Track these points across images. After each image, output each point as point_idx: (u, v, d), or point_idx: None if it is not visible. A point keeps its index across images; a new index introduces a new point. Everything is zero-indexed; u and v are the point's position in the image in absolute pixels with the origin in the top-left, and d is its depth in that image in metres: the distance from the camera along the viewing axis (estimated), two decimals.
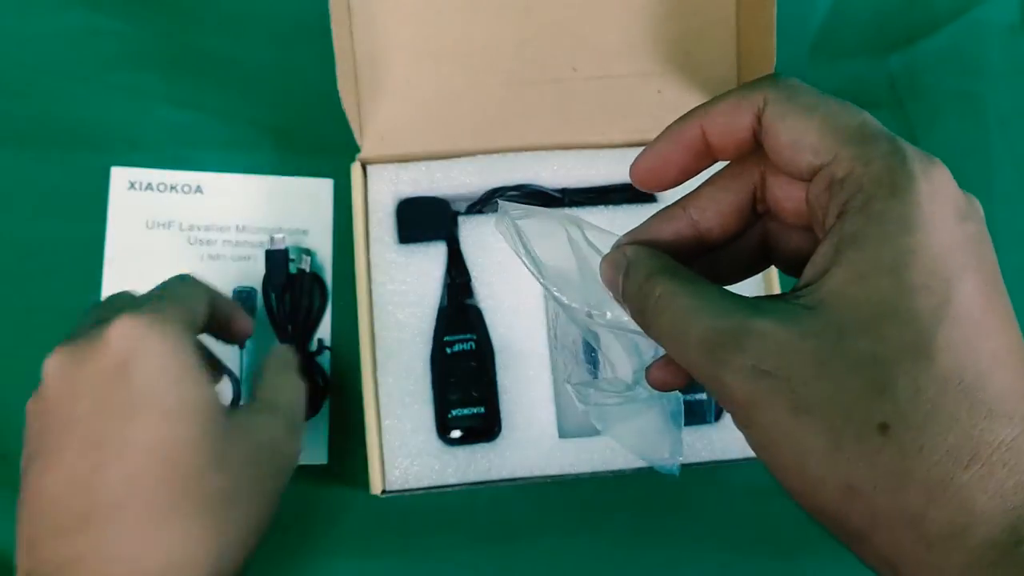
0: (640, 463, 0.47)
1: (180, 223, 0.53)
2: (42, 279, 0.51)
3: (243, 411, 0.37)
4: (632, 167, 0.28)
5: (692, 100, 0.53)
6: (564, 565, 0.49)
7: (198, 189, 0.53)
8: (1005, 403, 0.21)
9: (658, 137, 0.28)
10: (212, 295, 0.39)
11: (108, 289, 0.51)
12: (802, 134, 0.24)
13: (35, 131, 0.54)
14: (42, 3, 0.56)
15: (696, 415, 0.48)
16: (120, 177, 0.53)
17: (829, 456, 0.22)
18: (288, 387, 0.40)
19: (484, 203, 0.51)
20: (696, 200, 0.28)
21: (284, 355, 0.42)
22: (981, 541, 0.20)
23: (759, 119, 0.25)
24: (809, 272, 0.23)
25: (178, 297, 0.36)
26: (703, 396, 0.48)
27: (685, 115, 0.27)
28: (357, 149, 0.50)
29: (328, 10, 0.44)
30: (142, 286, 0.51)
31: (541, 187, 0.51)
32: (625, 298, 0.27)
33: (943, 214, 0.22)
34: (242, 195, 0.54)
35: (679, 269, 0.26)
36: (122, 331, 0.31)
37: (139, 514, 0.30)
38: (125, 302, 0.35)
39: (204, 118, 0.55)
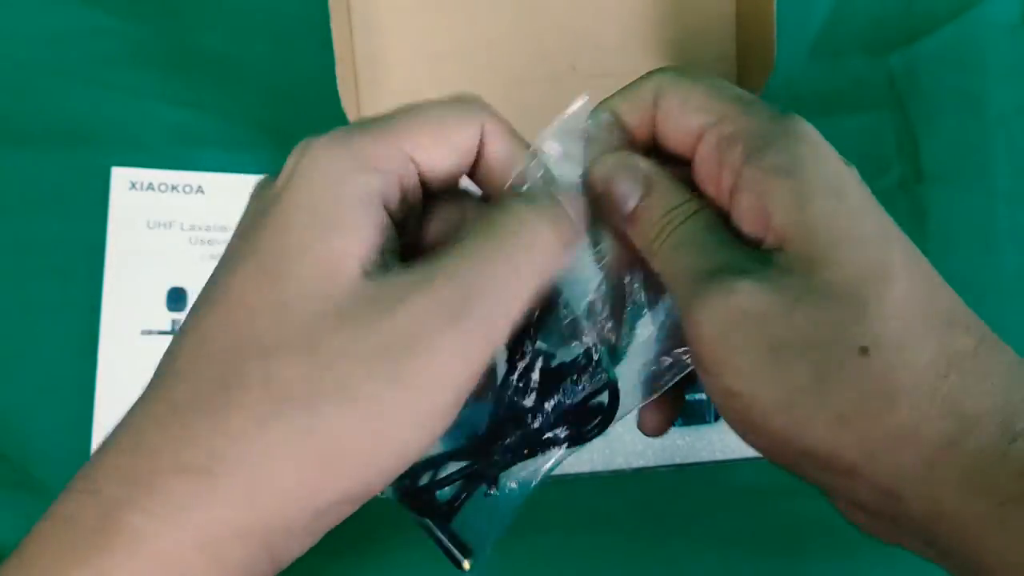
0: (639, 463, 0.47)
1: (181, 223, 0.53)
2: (42, 279, 0.51)
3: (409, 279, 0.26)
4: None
5: None
6: (564, 565, 0.49)
7: (199, 189, 0.53)
8: (957, 315, 0.23)
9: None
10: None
11: (109, 290, 0.51)
12: (688, 97, 0.26)
13: (35, 131, 0.54)
14: (42, 3, 0.56)
15: (696, 415, 0.48)
16: (121, 177, 0.53)
17: (815, 388, 0.22)
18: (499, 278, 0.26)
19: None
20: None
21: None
22: (976, 446, 0.21)
23: (656, 101, 0.27)
24: (749, 224, 0.24)
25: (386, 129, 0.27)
26: (703, 396, 0.48)
27: (598, 108, 0.28)
28: None
29: (328, 10, 0.44)
30: (143, 287, 0.51)
31: None
32: (635, 218, 0.26)
33: (834, 153, 0.24)
34: (243, 195, 0.53)
35: (689, 200, 0.26)
36: (298, 153, 0.28)
37: None
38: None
39: (205, 118, 0.55)
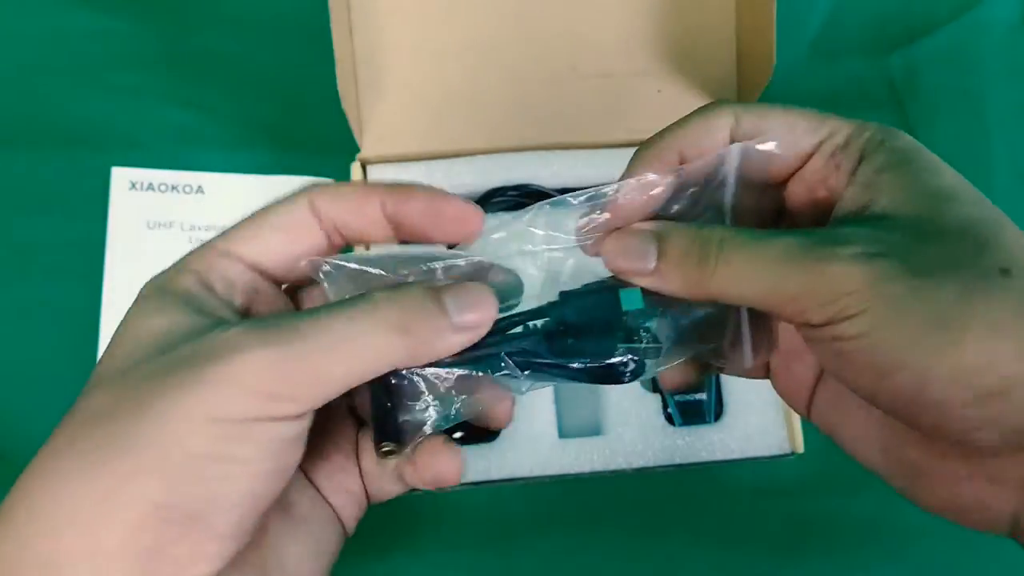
0: (639, 463, 0.47)
1: (181, 223, 0.53)
2: (43, 279, 0.51)
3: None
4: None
5: (692, 99, 0.53)
6: (564, 565, 0.49)
7: (199, 189, 0.53)
8: None
9: (634, 164, 0.28)
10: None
11: (109, 290, 0.51)
12: (791, 123, 0.26)
13: (36, 131, 0.54)
14: (42, 3, 0.56)
15: (696, 415, 0.48)
16: (121, 177, 0.53)
17: (966, 301, 0.22)
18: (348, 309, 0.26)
19: (484, 203, 0.51)
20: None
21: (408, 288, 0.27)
22: None
23: (733, 133, 0.27)
24: (849, 205, 0.25)
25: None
26: (702, 396, 0.48)
27: (654, 139, 0.28)
28: (357, 149, 0.50)
29: (328, 10, 0.44)
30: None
31: (541, 187, 0.51)
32: (667, 269, 0.26)
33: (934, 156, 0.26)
34: (243, 195, 0.54)
35: (715, 227, 0.26)
36: None
37: None
38: None
39: (205, 118, 0.55)
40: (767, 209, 0.28)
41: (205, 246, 0.27)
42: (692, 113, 0.27)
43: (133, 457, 0.22)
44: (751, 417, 0.48)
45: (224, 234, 0.27)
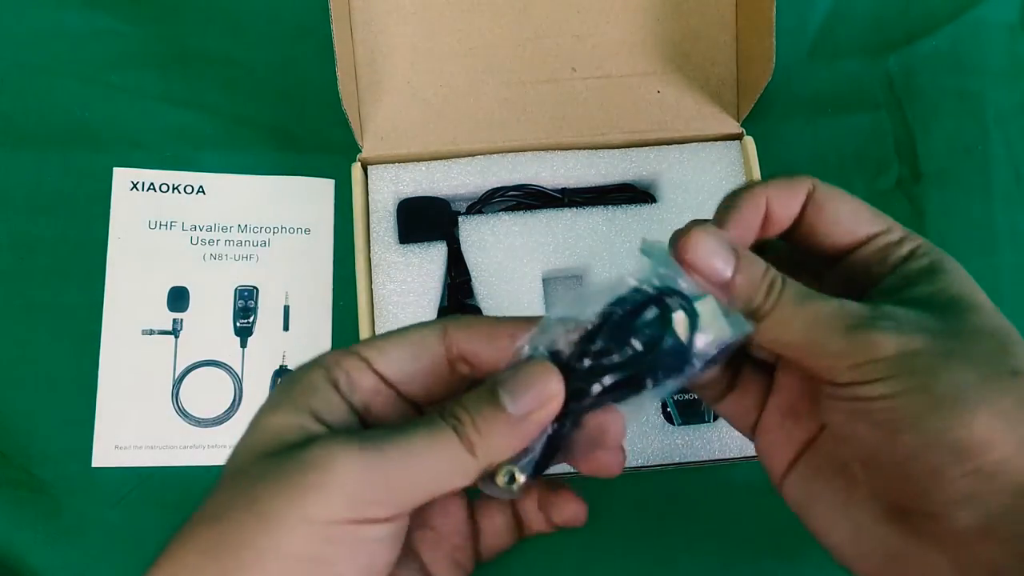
0: (638, 462, 0.48)
1: (182, 223, 0.53)
2: (45, 279, 0.51)
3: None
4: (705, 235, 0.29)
5: (691, 100, 0.53)
6: (564, 565, 0.49)
7: (200, 189, 0.54)
8: None
9: (727, 208, 0.30)
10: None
11: (111, 290, 0.51)
12: (857, 209, 0.30)
13: (37, 132, 0.54)
14: (42, 3, 0.56)
15: (695, 414, 0.48)
16: (122, 178, 0.53)
17: (982, 387, 0.26)
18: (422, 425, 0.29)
19: (484, 203, 0.51)
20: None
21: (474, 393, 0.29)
22: None
23: (808, 199, 0.30)
24: (887, 290, 0.29)
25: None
26: None
27: (746, 186, 0.30)
28: (357, 149, 0.50)
29: (328, 10, 0.44)
30: (144, 287, 0.51)
31: (541, 187, 0.51)
32: (739, 287, 0.28)
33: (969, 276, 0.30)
34: (244, 195, 0.54)
35: (778, 272, 0.29)
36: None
37: None
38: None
39: (205, 118, 0.55)
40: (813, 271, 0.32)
41: (344, 349, 0.29)
42: (778, 176, 0.31)
43: (240, 557, 0.24)
44: None
45: (364, 341, 0.30)
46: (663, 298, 0.28)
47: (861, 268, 0.30)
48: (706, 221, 0.29)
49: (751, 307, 0.28)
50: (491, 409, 0.27)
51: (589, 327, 0.28)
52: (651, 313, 0.28)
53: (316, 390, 0.28)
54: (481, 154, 0.51)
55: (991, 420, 0.25)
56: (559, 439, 0.28)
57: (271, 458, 0.26)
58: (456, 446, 0.26)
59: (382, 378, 0.29)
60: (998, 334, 0.27)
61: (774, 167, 0.52)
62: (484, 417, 0.27)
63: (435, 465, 0.26)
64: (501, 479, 0.27)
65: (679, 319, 0.28)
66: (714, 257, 0.28)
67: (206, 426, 0.50)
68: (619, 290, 0.28)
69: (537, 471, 0.28)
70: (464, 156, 0.51)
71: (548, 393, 0.27)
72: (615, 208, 0.51)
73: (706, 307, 0.28)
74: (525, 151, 0.52)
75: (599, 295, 0.28)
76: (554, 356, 0.28)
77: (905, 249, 0.30)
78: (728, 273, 0.28)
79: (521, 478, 0.27)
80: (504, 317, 0.30)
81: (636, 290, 0.28)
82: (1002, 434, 0.25)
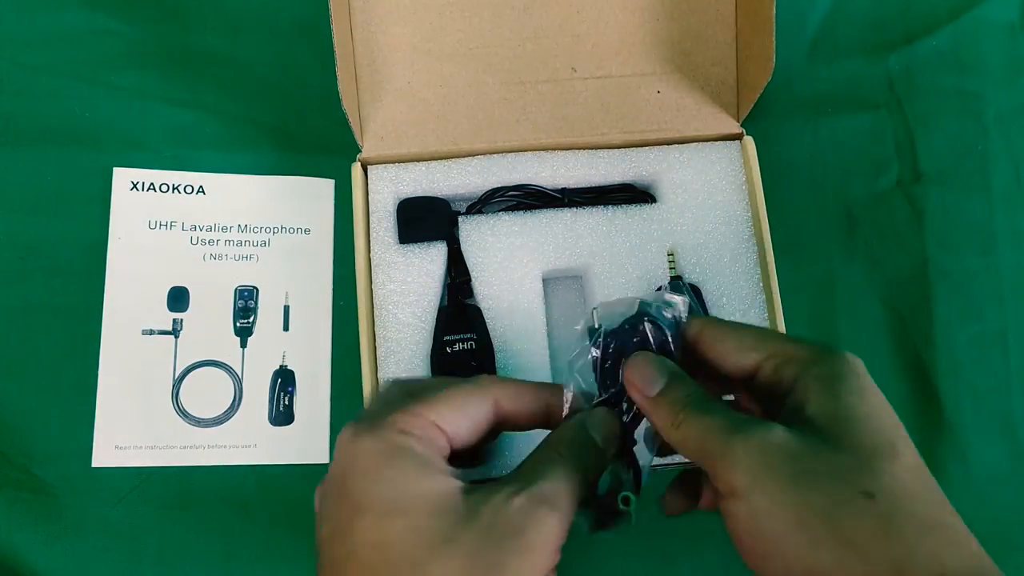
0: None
1: (182, 223, 0.53)
2: (44, 279, 0.52)
3: (485, 489, 0.32)
4: None
5: (691, 100, 0.53)
6: (563, 565, 0.49)
7: (200, 189, 0.54)
8: (941, 494, 0.29)
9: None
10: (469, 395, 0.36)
11: (111, 290, 0.51)
12: (741, 340, 0.34)
13: (37, 132, 0.54)
14: (42, 3, 0.56)
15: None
16: (122, 178, 0.53)
17: (828, 514, 0.27)
18: (548, 465, 0.34)
19: (484, 203, 0.51)
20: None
21: (569, 434, 0.35)
22: None
23: (697, 341, 0.35)
24: (789, 406, 0.31)
25: (396, 402, 0.34)
26: None
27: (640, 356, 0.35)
28: (357, 149, 0.50)
29: (328, 10, 0.44)
30: (144, 287, 0.51)
31: (541, 187, 0.51)
32: (655, 406, 0.33)
33: (862, 367, 0.32)
34: (244, 195, 0.54)
35: (696, 390, 0.33)
36: (340, 445, 0.34)
37: None
38: (364, 410, 0.37)
39: (205, 118, 0.55)
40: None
41: (408, 411, 0.33)
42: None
43: None
44: None
45: (421, 401, 0.33)
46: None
47: (766, 390, 0.33)
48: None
49: (666, 424, 0.33)
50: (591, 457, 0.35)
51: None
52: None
53: (419, 456, 0.31)
54: (481, 154, 0.51)
55: (837, 549, 0.26)
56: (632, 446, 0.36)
57: (472, 524, 0.29)
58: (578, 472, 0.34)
59: (445, 435, 0.33)
60: (866, 452, 0.28)
61: (774, 167, 0.52)
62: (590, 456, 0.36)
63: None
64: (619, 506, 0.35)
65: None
66: (640, 379, 0.34)
67: (206, 426, 0.50)
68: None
69: (638, 486, 0.36)
70: (464, 156, 0.51)
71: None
72: (615, 208, 0.51)
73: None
74: (525, 151, 0.52)
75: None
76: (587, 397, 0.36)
77: (791, 371, 0.32)
78: (652, 393, 0.33)
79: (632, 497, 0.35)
80: (532, 382, 0.36)
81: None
82: (849, 563, 0.26)
